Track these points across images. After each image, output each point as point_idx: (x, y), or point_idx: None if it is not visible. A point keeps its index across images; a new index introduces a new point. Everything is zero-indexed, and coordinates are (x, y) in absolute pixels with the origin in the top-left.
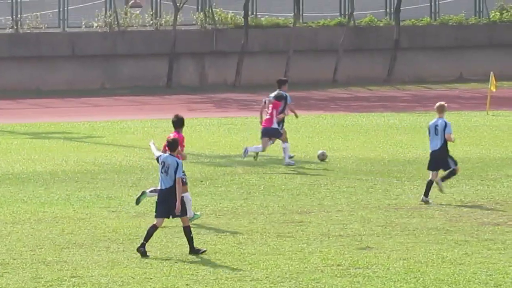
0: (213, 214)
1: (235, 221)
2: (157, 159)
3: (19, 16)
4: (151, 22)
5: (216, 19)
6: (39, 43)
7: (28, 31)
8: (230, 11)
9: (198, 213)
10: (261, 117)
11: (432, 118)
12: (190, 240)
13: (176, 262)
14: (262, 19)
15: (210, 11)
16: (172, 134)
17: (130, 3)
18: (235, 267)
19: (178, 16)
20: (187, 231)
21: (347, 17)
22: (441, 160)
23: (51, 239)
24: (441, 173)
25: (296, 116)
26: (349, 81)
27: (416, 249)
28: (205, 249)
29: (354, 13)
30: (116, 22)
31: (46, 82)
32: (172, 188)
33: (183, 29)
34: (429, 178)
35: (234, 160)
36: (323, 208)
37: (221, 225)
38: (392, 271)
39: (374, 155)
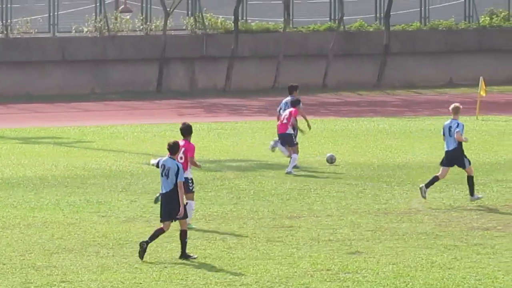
0: (203, 219)
1: (225, 226)
2: (157, 164)
3: (9, 21)
4: (141, 27)
5: (206, 24)
6: (29, 48)
7: (18, 36)
8: (220, 16)
9: (194, 226)
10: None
11: (423, 123)
12: (183, 244)
13: (166, 267)
14: (252, 24)
15: (200, 16)
16: (182, 143)
17: (120, 8)
18: (225, 272)
19: (168, 21)
20: (183, 235)
21: (337, 22)
22: (456, 159)
23: (41, 244)
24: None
25: (309, 127)
26: (339, 86)
27: (405, 253)
28: (196, 255)
29: (344, 18)
30: (106, 27)
31: (36, 87)
32: (173, 192)
33: (173, 34)
34: (437, 174)
35: (224, 165)
36: (313, 213)
37: (211, 230)
38: (382, 275)
39: (364, 160)
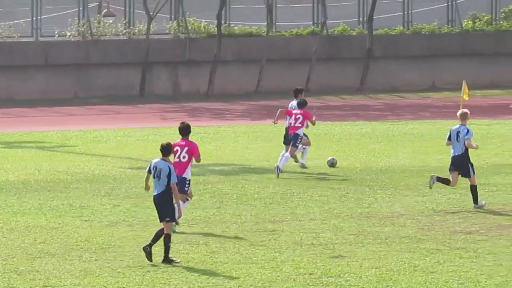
0: (185, 223)
1: (208, 230)
2: (149, 169)
3: None
4: (124, 31)
5: (189, 28)
6: (12, 52)
7: (1, 40)
8: (203, 20)
9: (177, 229)
10: (278, 115)
11: (405, 127)
12: (167, 249)
13: (148, 271)
14: (235, 28)
15: (183, 20)
16: (182, 142)
17: (103, 12)
18: (207, 276)
19: (151, 25)
20: (167, 239)
21: (320, 26)
22: (462, 165)
23: (24, 248)
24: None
25: (313, 123)
26: (321, 90)
27: (388, 257)
28: (178, 260)
29: (327, 22)
30: (89, 31)
31: (19, 91)
32: (165, 193)
33: (156, 38)
34: (451, 183)
35: (207, 169)
36: (296, 217)
37: (194, 234)
38: (365, 279)
39: (347, 163)
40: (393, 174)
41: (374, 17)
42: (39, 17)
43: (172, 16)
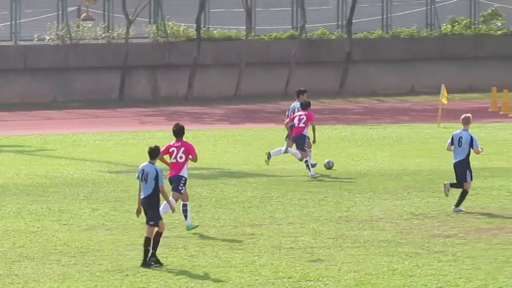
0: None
1: (187, 234)
2: (138, 175)
3: None
4: (103, 35)
5: (169, 32)
6: None
7: None
8: (182, 24)
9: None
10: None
11: (384, 130)
12: (146, 252)
13: (127, 275)
14: (214, 32)
15: (163, 24)
16: (177, 143)
17: (82, 16)
18: (186, 280)
19: (131, 29)
20: (147, 242)
21: (299, 30)
22: (460, 172)
23: (2, 252)
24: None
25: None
26: None
27: (367, 261)
28: (158, 264)
29: (306, 26)
30: (68, 35)
31: None
32: (152, 196)
33: (135, 42)
34: (463, 188)
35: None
36: (275, 220)
37: (173, 238)
38: (343, 283)
39: None
40: (372, 178)
41: (353, 21)
42: (18, 21)
43: (151, 20)
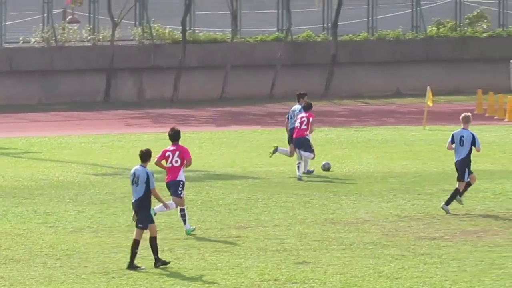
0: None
1: (173, 236)
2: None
3: None
4: (89, 37)
5: (154, 34)
6: None
7: None
8: (168, 27)
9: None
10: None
11: (370, 133)
12: (133, 254)
13: (113, 277)
14: (200, 34)
15: (148, 26)
16: (172, 147)
17: (68, 19)
18: (172, 283)
19: (116, 31)
20: (135, 245)
21: (284, 32)
22: (460, 170)
23: None
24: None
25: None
26: (286, 96)
27: (352, 263)
28: (143, 266)
29: (292, 28)
30: (53, 38)
31: None
32: (142, 199)
33: (121, 44)
34: (469, 180)
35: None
36: (260, 223)
37: (159, 240)
38: (329, 285)
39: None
40: (357, 180)
41: (338, 23)
42: (3, 24)
43: (137, 23)
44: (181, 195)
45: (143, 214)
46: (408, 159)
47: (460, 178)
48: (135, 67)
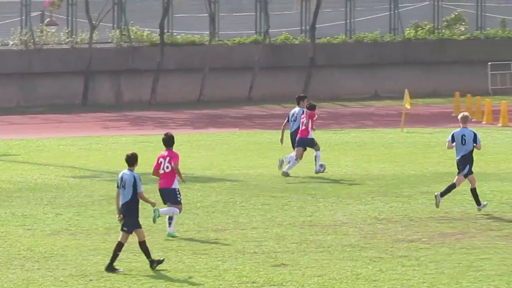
0: None
1: (151, 239)
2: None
3: None
4: (67, 40)
5: (132, 37)
6: None
7: None
8: (146, 29)
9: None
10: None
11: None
12: (114, 256)
13: (91, 280)
14: (178, 37)
15: (126, 29)
16: (165, 153)
17: (46, 21)
18: (150, 285)
19: (94, 34)
20: (119, 247)
21: (262, 35)
22: (462, 166)
23: None
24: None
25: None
26: (264, 99)
27: (330, 266)
28: (121, 269)
29: (270, 31)
30: (32, 40)
31: None
32: (130, 203)
33: (99, 47)
34: (471, 187)
35: (149, 177)
36: (238, 225)
37: (137, 243)
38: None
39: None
40: (335, 183)
41: (316, 25)
42: None
43: (115, 25)
44: (181, 201)
45: (130, 218)
46: (386, 162)
47: (461, 171)
48: (113, 70)
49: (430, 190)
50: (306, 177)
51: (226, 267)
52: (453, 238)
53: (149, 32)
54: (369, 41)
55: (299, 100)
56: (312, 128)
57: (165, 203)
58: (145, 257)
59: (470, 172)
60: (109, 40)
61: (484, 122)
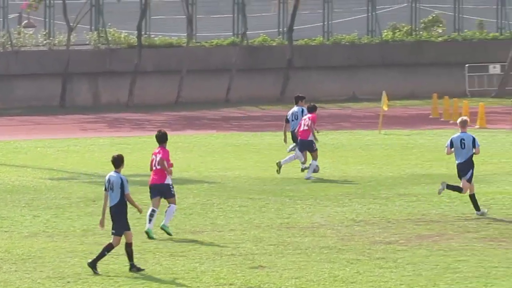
0: (105, 234)
1: None
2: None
3: None
4: (45, 42)
5: (110, 39)
6: None
7: None
8: (124, 31)
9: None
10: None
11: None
12: (100, 255)
13: (68, 282)
14: (156, 39)
15: (104, 31)
16: (157, 150)
17: (23, 23)
18: (127, 287)
19: (72, 36)
20: (108, 247)
21: (240, 36)
22: (463, 171)
23: None
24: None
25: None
26: (241, 101)
27: (308, 268)
28: (99, 271)
29: (247, 32)
30: (9, 42)
31: None
32: (118, 205)
33: (76, 49)
34: (469, 193)
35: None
36: (216, 227)
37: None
38: None
39: (267, 174)
40: (313, 185)
41: (294, 27)
42: None
43: (93, 27)
44: (174, 194)
45: (119, 220)
46: (364, 164)
47: (463, 175)
48: (91, 72)
49: (407, 192)
50: (284, 179)
51: (204, 269)
52: (430, 240)
53: (126, 34)
54: (347, 43)
55: (297, 100)
56: (314, 128)
57: (152, 198)
58: (124, 259)
59: (471, 177)
60: (87, 42)
61: None
